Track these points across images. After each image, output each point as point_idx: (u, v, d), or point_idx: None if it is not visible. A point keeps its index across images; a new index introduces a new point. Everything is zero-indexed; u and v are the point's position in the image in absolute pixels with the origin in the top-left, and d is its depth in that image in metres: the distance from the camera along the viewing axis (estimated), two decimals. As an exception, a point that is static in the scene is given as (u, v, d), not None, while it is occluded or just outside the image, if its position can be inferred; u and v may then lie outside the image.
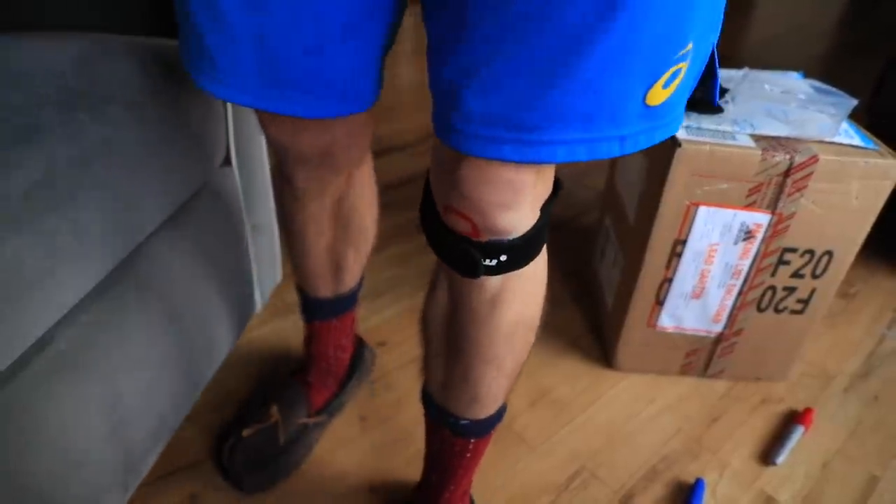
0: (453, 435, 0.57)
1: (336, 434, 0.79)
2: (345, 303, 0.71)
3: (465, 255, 0.41)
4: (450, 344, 0.51)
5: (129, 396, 0.57)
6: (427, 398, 0.58)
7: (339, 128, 0.52)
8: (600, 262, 1.01)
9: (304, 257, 0.66)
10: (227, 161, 0.72)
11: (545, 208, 0.42)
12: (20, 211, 0.45)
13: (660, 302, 0.83)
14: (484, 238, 0.40)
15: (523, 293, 0.47)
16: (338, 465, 0.75)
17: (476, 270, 0.42)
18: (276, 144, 0.54)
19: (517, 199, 0.38)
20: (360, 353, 0.81)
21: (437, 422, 0.57)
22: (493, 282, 0.44)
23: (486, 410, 0.54)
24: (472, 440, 0.57)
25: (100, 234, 0.51)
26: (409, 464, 0.75)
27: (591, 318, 0.99)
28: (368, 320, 0.95)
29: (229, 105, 0.70)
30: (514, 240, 0.40)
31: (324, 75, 0.43)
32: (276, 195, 0.64)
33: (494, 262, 0.41)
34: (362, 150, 0.59)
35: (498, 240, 0.40)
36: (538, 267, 0.46)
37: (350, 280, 0.69)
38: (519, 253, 0.42)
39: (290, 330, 0.92)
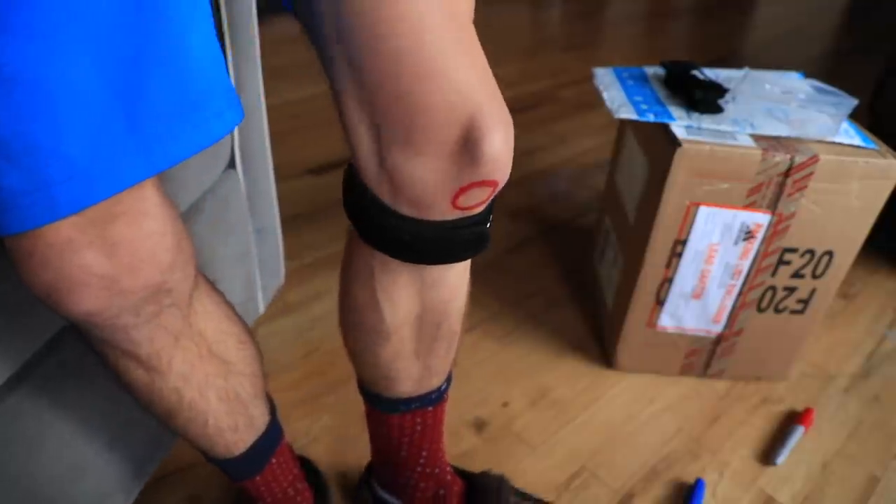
0: (434, 407, 0.56)
1: (336, 435, 0.78)
2: (273, 436, 0.57)
3: (474, 235, 0.40)
4: (427, 336, 0.49)
5: (132, 401, 0.57)
6: (393, 401, 0.54)
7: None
8: (600, 263, 1.01)
9: (199, 426, 0.49)
10: (232, 164, 0.72)
11: None
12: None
13: (660, 302, 0.82)
14: (490, 198, 0.38)
15: (465, 275, 0.47)
16: (337, 465, 0.75)
17: (486, 240, 0.41)
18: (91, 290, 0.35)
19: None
20: (319, 488, 0.68)
21: (411, 409, 0.55)
22: (451, 274, 0.44)
23: (446, 373, 0.55)
24: (445, 399, 0.57)
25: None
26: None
27: (591, 318, 0.99)
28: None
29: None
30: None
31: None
32: (120, 379, 0.45)
33: (490, 219, 0.41)
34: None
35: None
36: None
37: (260, 416, 0.54)
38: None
39: (290, 330, 0.92)
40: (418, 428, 0.57)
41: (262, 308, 0.85)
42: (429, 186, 0.36)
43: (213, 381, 0.47)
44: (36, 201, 0.31)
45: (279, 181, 0.85)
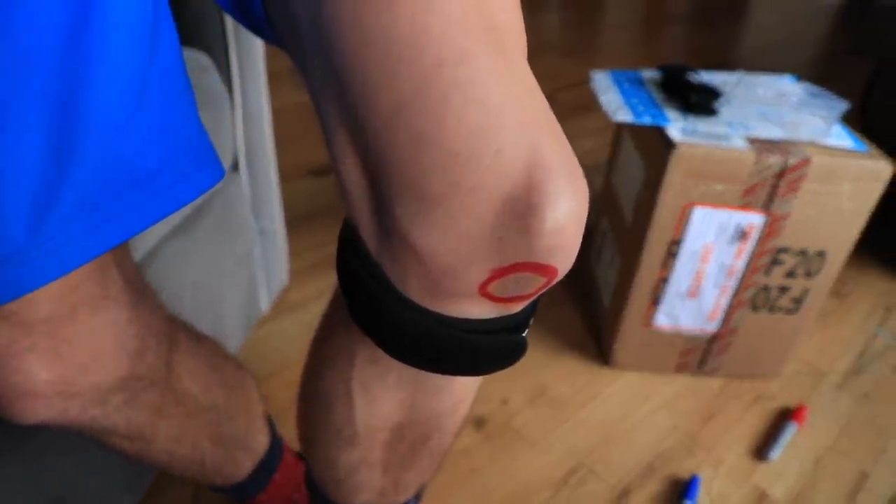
0: None
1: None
2: (274, 454, 0.54)
3: (506, 344, 0.28)
4: (402, 454, 0.38)
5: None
6: None
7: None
8: (597, 263, 1.03)
9: (196, 469, 0.47)
10: (235, 167, 0.73)
11: None
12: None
13: (656, 301, 0.84)
14: (539, 293, 0.27)
15: (475, 385, 0.35)
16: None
17: (521, 351, 0.29)
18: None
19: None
20: None
21: None
22: (459, 383, 0.33)
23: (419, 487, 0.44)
24: None
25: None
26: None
27: (589, 317, 1.01)
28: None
29: (237, 111, 0.71)
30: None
31: None
32: (105, 447, 0.41)
33: (526, 329, 0.29)
34: None
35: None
36: None
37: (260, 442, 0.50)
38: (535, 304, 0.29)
39: (292, 329, 0.93)
40: None
41: (265, 308, 0.86)
42: (450, 262, 0.24)
43: (204, 430, 0.44)
44: None
45: (282, 183, 0.86)
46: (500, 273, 0.25)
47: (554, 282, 0.26)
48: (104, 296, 0.30)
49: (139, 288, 0.33)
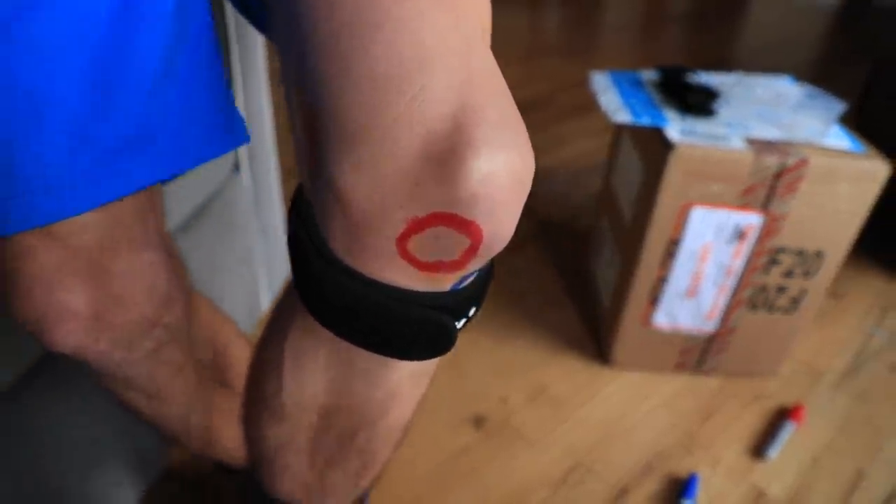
0: None
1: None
2: None
3: (430, 324, 0.26)
4: (328, 445, 0.37)
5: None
6: (266, 488, 0.41)
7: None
8: (597, 262, 1.03)
9: (208, 443, 0.47)
10: (237, 166, 0.73)
11: None
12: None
13: (655, 301, 0.84)
14: (469, 266, 0.25)
15: (420, 385, 0.33)
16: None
17: (449, 342, 0.27)
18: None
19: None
20: None
21: None
22: (394, 374, 0.31)
23: (350, 497, 0.41)
24: None
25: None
26: (409, 463, 0.76)
27: (588, 316, 1.01)
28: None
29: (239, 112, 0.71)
30: (480, 274, 0.27)
31: None
32: (122, 405, 0.43)
33: (463, 320, 0.27)
34: None
35: (469, 276, 0.26)
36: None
37: None
38: (482, 297, 0.28)
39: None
40: None
41: (266, 307, 0.86)
42: (367, 207, 0.23)
43: (219, 405, 0.46)
44: (14, 207, 0.28)
45: (283, 181, 0.86)
46: (416, 225, 0.23)
47: (481, 249, 0.24)
48: (143, 240, 0.33)
49: (171, 245, 0.36)
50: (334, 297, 0.26)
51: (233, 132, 0.33)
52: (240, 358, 0.50)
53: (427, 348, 0.27)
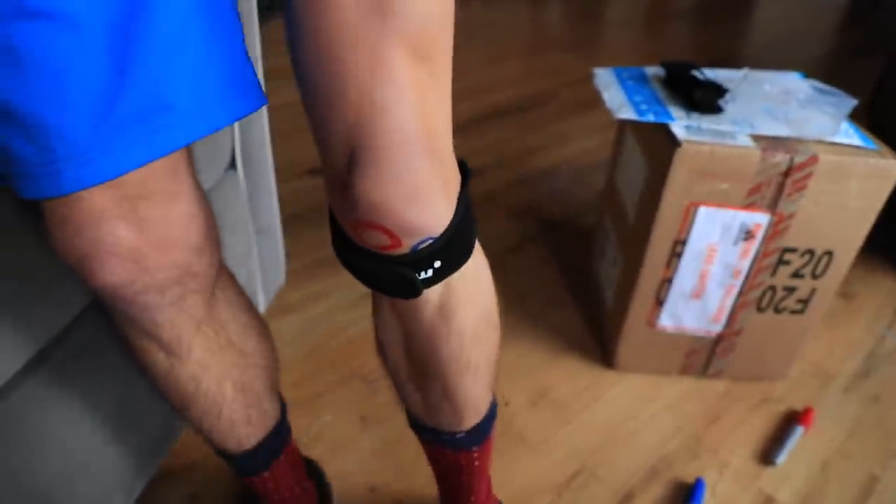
0: (455, 451, 0.54)
1: (336, 434, 0.79)
2: (282, 432, 0.58)
3: (397, 276, 0.38)
4: (416, 367, 0.48)
5: (134, 400, 0.57)
6: (415, 423, 0.55)
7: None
8: (600, 262, 1.01)
9: (214, 417, 0.50)
10: (233, 165, 0.72)
11: (461, 198, 0.38)
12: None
13: (660, 302, 0.83)
14: (406, 245, 0.36)
15: (471, 292, 0.43)
16: (338, 465, 0.75)
17: (415, 288, 0.38)
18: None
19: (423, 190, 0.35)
20: (322, 490, 0.69)
21: (434, 444, 0.55)
22: (435, 294, 0.41)
23: (477, 415, 0.52)
24: (476, 449, 0.55)
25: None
26: (409, 463, 0.75)
27: (591, 317, 1.00)
28: (358, 324, 0.95)
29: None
30: (437, 240, 0.37)
31: None
32: (140, 362, 0.46)
33: (430, 272, 0.38)
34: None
35: (422, 243, 0.36)
36: (477, 261, 0.43)
37: (273, 408, 0.55)
38: (451, 253, 0.38)
39: (290, 330, 0.92)
40: (440, 459, 0.57)
41: (262, 308, 0.85)
42: (337, 209, 0.37)
43: (230, 371, 0.48)
44: (65, 169, 0.32)
45: (280, 182, 0.85)
46: (354, 226, 0.36)
47: (402, 239, 0.36)
48: (177, 192, 0.37)
49: (204, 200, 0.40)
50: (347, 258, 0.39)
51: (253, 94, 0.36)
52: (258, 337, 0.53)
53: (402, 289, 0.39)
